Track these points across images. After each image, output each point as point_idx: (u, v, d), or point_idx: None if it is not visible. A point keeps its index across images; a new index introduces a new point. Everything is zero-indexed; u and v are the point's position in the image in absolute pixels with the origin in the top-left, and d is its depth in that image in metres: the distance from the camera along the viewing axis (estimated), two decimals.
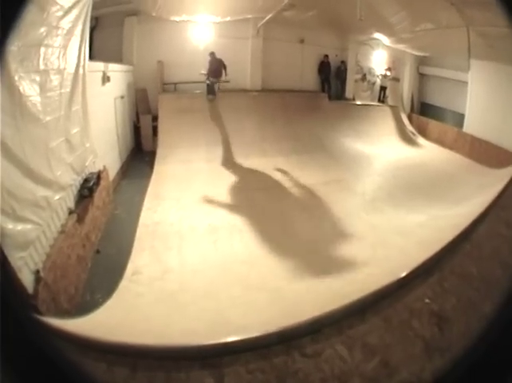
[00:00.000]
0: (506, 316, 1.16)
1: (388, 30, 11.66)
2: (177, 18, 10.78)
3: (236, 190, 8.05)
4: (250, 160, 9.79)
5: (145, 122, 10.86)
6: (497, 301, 1.49)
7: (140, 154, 10.52)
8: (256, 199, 7.57)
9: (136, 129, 10.86)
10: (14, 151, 3.32)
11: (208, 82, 11.54)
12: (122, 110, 9.35)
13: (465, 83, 12.02)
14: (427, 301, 1.74)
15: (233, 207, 7.21)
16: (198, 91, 11.77)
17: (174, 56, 11.60)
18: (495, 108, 10.57)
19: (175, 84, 11.85)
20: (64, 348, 1.20)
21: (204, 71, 11.42)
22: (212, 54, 11.36)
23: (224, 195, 7.78)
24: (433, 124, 14.03)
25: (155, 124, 10.83)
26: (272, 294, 4.29)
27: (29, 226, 3.50)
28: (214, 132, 10.78)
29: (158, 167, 9.29)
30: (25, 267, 3.29)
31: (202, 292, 4.51)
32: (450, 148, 12.35)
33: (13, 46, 3.15)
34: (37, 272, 3.49)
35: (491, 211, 2.49)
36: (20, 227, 3.30)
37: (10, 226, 3.12)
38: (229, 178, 8.69)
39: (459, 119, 12.50)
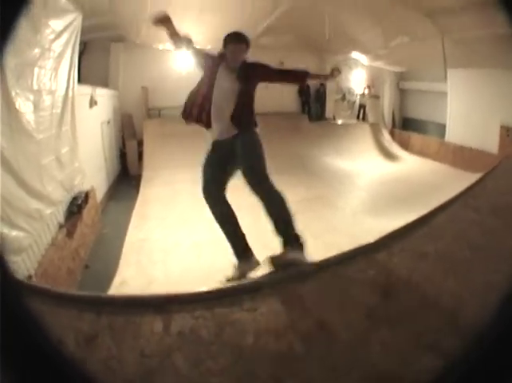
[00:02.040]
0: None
1: (364, 48, 11.90)
2: (160, 46, 11.09)
3: None
4: (232, 181, 9.82)
5: (131, 147, 11.03)
6: (461, 279, 1.56)
7: (127, 178, 10.65)
8: (239, 217, 7.68)
9: (122, 155, 11.03)
10: (10, 161, 3.51)
11: None
12: (109, 134, 9.56)
13: (445, 93, 12.35)
14: (371, 272, 1.73)
15: (217, 226, 7.34)
16: None
17: (158, 82, 11.92)
18: (475, 112, 10.93)
19: (160, 109, 12.09)
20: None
21: None
22: None
23: (207, 215, 7.91)
24: (415, 137, 14.40)
25: (140, 150, 10.96)
26: None
27: (22, 233, 3.66)
28: (197, 155, 10.85)
29: (144, 189, 9.42)
30: (19, 271, 3.43)
31: None
32: (434, 158, 12.62)
33: (11, 63, 3.40)
34: (30, 277, 3.63)
35: (459, 199, 2.53)
36: (14, 233, 3.48)
37: (6, 231, 3.29)
38: None
39: (442, 129, 12.82)
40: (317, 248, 6.08)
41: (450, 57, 9.99)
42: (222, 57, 3.09)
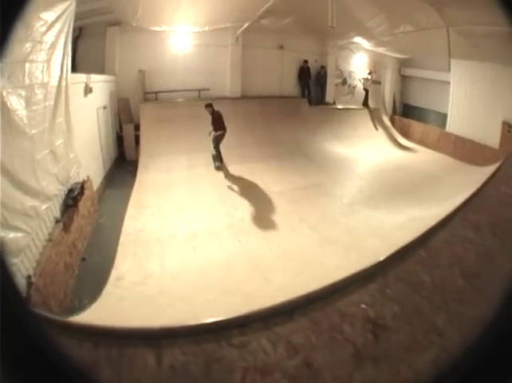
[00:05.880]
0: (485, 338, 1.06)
1: (368, 34, 11.73)
2: (157, 28, 10.82)
3: (215, 197, 8.20)
4: (230, 166, 9.92)
5: (128, 131, 10.87)
6: (456, 314, 1.51)
7: (124, 163, 10.54)
8: (235, 205, 7.73)
9: (119, 139, 10.89)
10: (5, 164, 3.46)
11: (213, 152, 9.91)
12: (105, 120, 9.41)
13: (447, 83, 12.23)
14: (362, 306, 1.66)
15: (212, 214, 7.37)
16: (179, 99, 11.92)
17: (155, 65, 11.70)
18: (477, 105, 10.88)
19: (156, 93, 11.90)
20: (49, 331, 1.36)
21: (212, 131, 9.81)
22: (209, 107, 9.86)
23: (204, 203, 7.94)
24: (415, 125, 14.27)
25: (137, 133, 10.83)
26: (245, 297, 4.42)
27: (19, 234, 3.63)
28: (194, 140, 10.73)
29: (140, 177, 9.39)
30: (18, 273, 3.44)
31: (180, 295, 4.73)
32: (434, 148, 12.57)
33: (1, 63, 3.29)
34: (29, 277, 3.63)
35: (458, 214, 2.36)
36: (11, 235, 3.45)
37: (3, 234, 3.26)
38: (209, 185, 8.83)
39: (443, 119, 12.74)
40: (314, 243, 6.18)
41: (454, 48, 9.84)
42: None
